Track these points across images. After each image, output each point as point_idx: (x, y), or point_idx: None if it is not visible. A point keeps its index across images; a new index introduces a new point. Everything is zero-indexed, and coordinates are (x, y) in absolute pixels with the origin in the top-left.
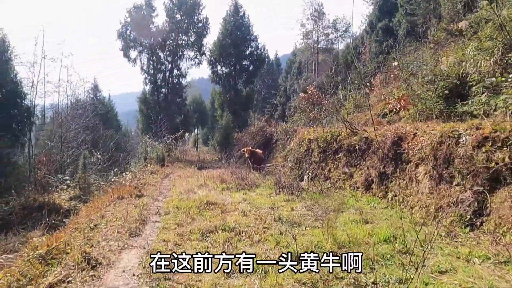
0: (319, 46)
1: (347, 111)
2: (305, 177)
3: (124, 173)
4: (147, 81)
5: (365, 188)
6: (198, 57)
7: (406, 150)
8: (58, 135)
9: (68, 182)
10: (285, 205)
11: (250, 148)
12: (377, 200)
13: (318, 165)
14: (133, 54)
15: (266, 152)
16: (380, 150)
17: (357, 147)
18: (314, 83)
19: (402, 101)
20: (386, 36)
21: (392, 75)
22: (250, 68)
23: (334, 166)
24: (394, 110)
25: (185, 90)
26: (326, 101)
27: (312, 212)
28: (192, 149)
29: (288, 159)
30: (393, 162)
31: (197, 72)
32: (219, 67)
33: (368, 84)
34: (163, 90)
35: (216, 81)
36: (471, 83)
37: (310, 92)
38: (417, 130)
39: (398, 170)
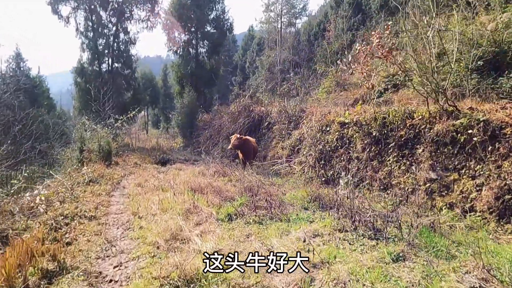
0: (282, 20)
1: (328, 89)
2: (341, 182)
3: (38, 187)
4: (84, 46)
5: (497, 214)
6: (150, 19)
7: None
8: None
9: None
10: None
11: (243, 136)
12: None
13: (364, 163)
14: (65, 10)
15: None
16: None
17: (461, 138)
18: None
19: None
20: (355, 11)
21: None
22: (215, 36)
23: (403, 167)
24: None
25: (135, 59)
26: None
27: None
28: (141, 132)
29: (304, 151)
30: None
31: (143, 49)
32: (177, 33)
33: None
34: (107, 59)
35: (174, 50)
36: None
37: (377, 41)
38: None
39: None
